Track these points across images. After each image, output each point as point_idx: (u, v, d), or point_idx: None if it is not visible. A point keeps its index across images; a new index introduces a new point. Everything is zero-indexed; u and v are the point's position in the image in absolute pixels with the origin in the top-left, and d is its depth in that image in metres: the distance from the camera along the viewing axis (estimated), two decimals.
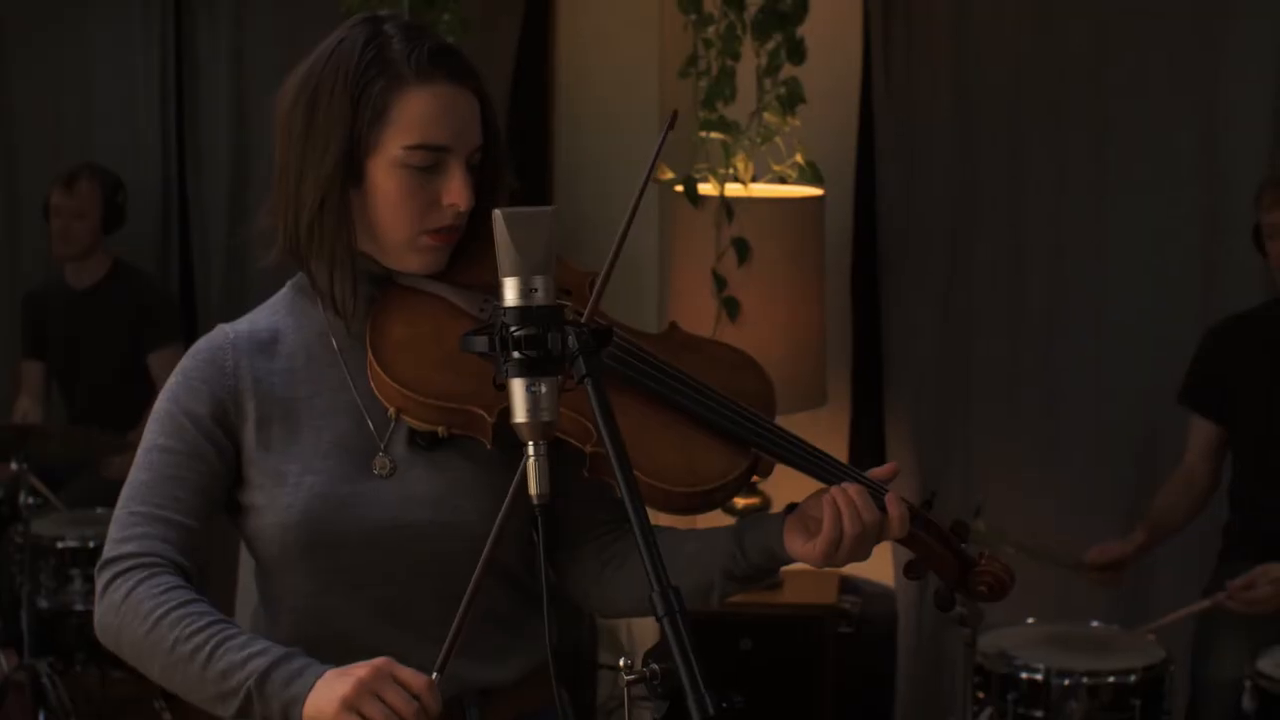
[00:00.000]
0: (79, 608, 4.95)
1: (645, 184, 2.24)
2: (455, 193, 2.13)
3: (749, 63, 4.48)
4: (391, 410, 2.14)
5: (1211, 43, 4.51)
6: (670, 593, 1.71)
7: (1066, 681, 3.80)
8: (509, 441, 1.92)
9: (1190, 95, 4.54)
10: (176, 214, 5.98)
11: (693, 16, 4.48)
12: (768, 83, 4.46)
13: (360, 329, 2.19)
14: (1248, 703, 3.76)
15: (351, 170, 2.14)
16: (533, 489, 1.85)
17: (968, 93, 4.81)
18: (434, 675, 2.02)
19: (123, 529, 2.13)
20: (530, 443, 1.85)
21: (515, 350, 1.83)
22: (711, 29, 4.49)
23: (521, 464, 1.87)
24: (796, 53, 4.44)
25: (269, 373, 2.19)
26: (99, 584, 2.12)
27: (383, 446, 2.17)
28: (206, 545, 2.17)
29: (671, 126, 2.24)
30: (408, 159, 2.12)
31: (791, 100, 4.42)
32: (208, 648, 2.03)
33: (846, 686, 4.60)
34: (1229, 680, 3.91)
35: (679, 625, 1.70)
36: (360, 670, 1.98)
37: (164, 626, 2.05)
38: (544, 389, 1.84)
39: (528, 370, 1.83)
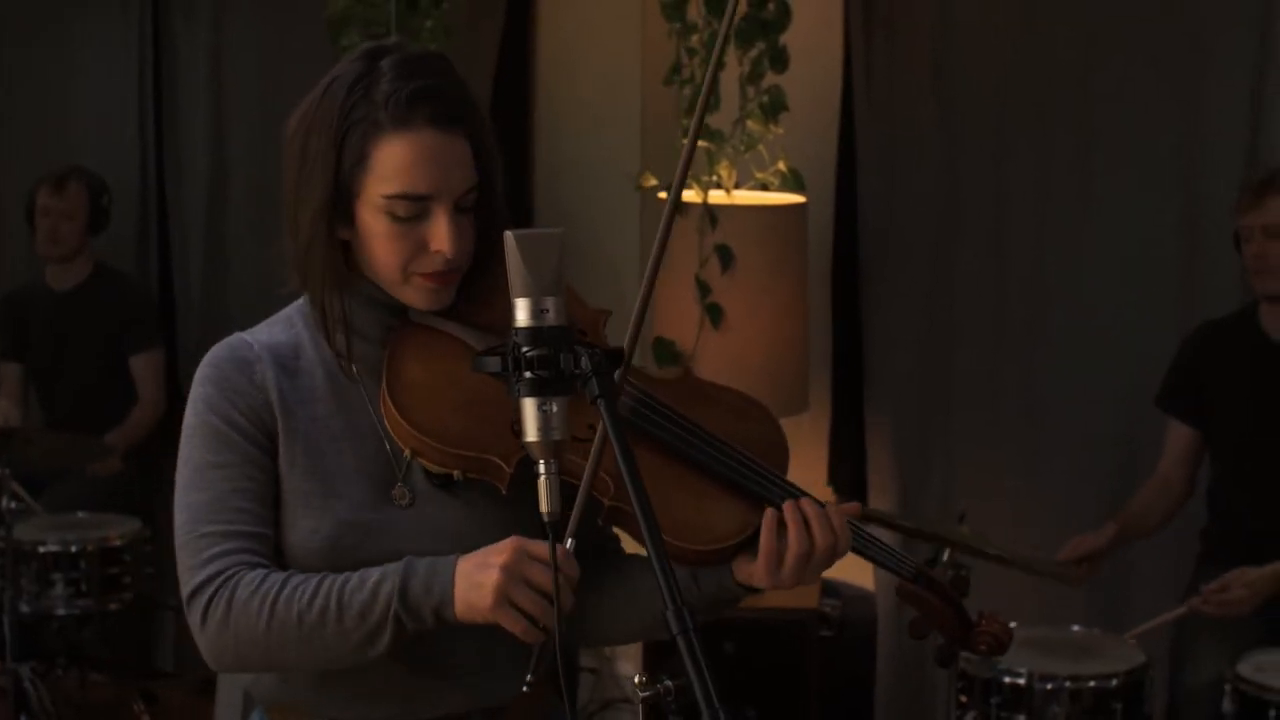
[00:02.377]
0: (60, 612, 4.96)
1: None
2: (441, 240, 2.10)
3: (732, 71, 4.50)
4: (406, 451, 2.13)
5: (1194, 51, 4.52)
6: (684, 611, 1.73)
7: (1049, 686, 3.83)
8: (526, 480, 1.92)
9: (1172, 104, 4.56)
10: (155, 216, 5.98)
11: (676, 25, 4.49)
12: (750, 90, 4.48)
13: (376, 354, 2.18)
14: (1227, 706, 3.78)
15: (342, 208, 2.13)
16: (544, 507, 1.87)
17: (949, 100, 4.82)
18: (569, 543, 2.03)
19: (196, 554, 2.11)
20: (541, 461, 1.87)
21: (527, 370, 1.86)
22: (695, 37, 4.50)
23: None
24: (779, 61, 4.46)
25: (292, 389, 2.17)
26: (194, 616, 2.10)
27: (401, 476, 2.16)
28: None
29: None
30: (390, 207, 2.09)
31: (774, 108, 4.44)
32: (332, 601, 2.03)
33: (828, 690, 4.62)
34: (1208, 684, 3.93)
35: (693, 642, 1.72)
36: (497, 557, 1.99)
37: (280, 611, 2.05)
38: (555, 408, 1.86)
39: (540, 390, 1.86)
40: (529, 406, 1.86)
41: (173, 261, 5.98)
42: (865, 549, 2.26)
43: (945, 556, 3.87)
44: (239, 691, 2.26)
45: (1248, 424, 4.16)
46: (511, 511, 2.11)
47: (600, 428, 2.02)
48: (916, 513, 4.90)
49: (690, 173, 4.48)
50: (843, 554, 2.16)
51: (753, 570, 2.13)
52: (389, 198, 2.09)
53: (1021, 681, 3.85)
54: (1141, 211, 4.62)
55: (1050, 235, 4.74)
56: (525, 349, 1.86)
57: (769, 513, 2.12)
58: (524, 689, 2.04)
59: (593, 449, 2.05)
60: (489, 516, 2.12)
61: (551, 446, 1.87)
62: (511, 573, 1.98)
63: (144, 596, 5.17)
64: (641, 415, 2.16)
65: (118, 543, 5.04)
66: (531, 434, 1.87)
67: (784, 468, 2.23)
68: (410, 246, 2.11)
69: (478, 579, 2.00)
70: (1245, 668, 3.79)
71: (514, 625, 2.00)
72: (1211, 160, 4.52)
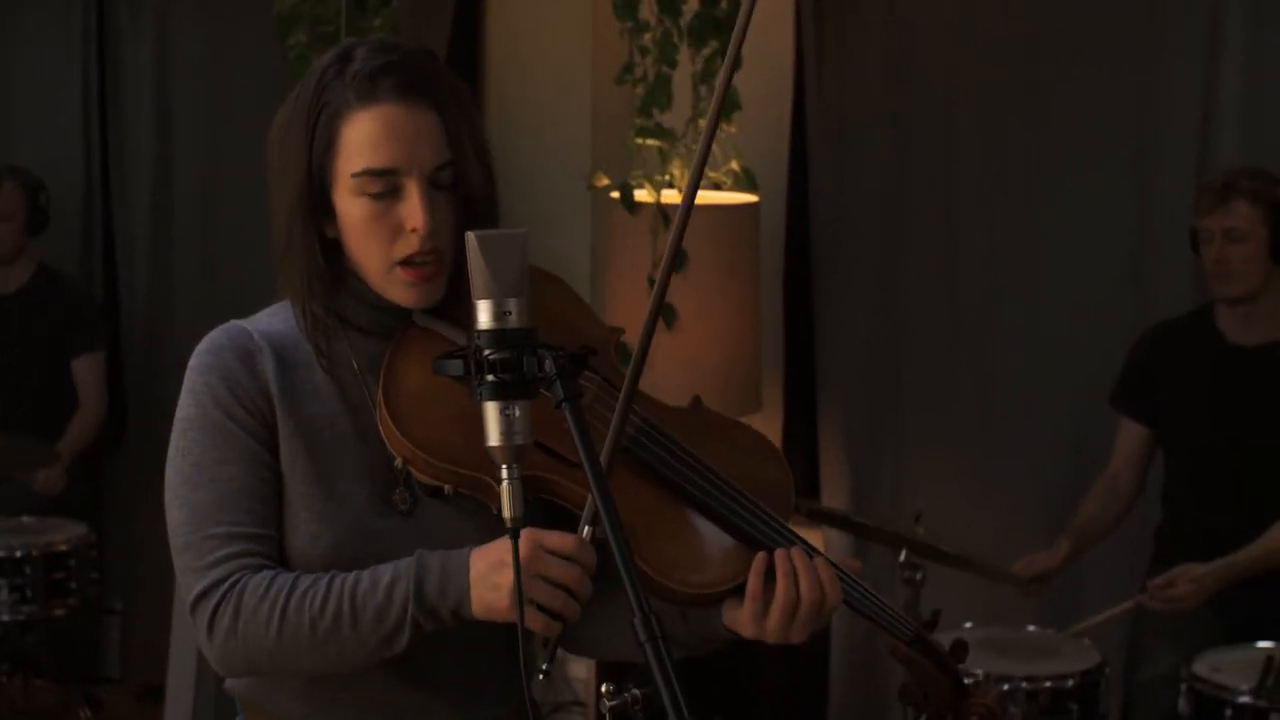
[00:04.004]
0: (4, 618, 4.91)
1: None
2: (411, 215, 2.05)
3: (684, 69, 4.48)
4: (398, 459, 2.08)
5: (1143, 51, 4.54)
6: (652, 618, 1.71)
7: (1005, 686, 3.82)
8: (522, 495, 1.89)
9: (1123, 102, 4.57)
10: (99, 215, 5.91)
11: (628, 23, 4.46)
12: (704, 89, 4.46)
13: (380, 350, 2.12)
14: (1183, 705, 3.79)
15: (322, 202, 2.09)
16: (506, 512, 1.84)
17: (900, 100, 4.82)
18: (584, 530, 1.99)
19: (200, 557, 2.04)
20: (504, 466, 1.84)
21: (489, 373, 1.82)
22: (647, 36, 4.47)
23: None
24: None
25: (293, 385, 2.11)
26: (200, 623, 2.04)
27: (402, 480, 2.10)
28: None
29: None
30: (360, 187, 2.05)
31: (728, 107, 4.41)
32: (345, 606, 1.99)
33: (781, 692, 4.61)
34: (1164, 684, 3.95)
35: (660, 650, 1.70)
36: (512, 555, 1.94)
37: (291, 617, 2.00)
38: (518, 412, 1.83)
39: (502, 394, 1.83)
40: (491, 411, 1.83)
41: (117, 261, 5.91)
42: (861, 606, 2.17)
43: (902, 557, 3.86)
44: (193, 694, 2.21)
45: (1204, 424, 4.16)
46: (529, 513, 2.04)
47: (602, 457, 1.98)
48: (870, 508, 4.89)
49: (641, 172, 4.48)
50: (832, 610, 2.08)
51: (738, 617, 2.07)
52: (357, 175, 2.05)
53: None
54: (1093, 209, 4.62)
55: (1001, 233, 4.74)
56: (487, 352, 1.82)
57: (758, 559, 2.05)
58: (540, 678, 1.98)
59: (605, 452, 2.01)
60: (491, 521, 2.03)
61: (514, 451, 1.83)
62: (527, 570, 1.93)
63: (89, 602, 5.11)
64: (642, 446, 2.10)
65: (63, 548, 4.98)
66: (494, 439, 1.83)
67: (787, 512, 2.16)
68: (387, 229, 2.06)
69: (494, 580, 1.96)
70: (1200, 667, 3.79)
71: (534, 623, 1.95)
72: (1163, 157, 4.54)
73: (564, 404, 1.82)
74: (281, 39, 4.62)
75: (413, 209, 2.05)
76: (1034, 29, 4.67)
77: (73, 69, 5.87)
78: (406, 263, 2.07)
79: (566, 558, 1.96)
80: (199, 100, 5.74)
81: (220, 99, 5.68)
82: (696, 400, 2.26)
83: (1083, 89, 4.62)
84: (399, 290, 2.09)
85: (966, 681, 2.26)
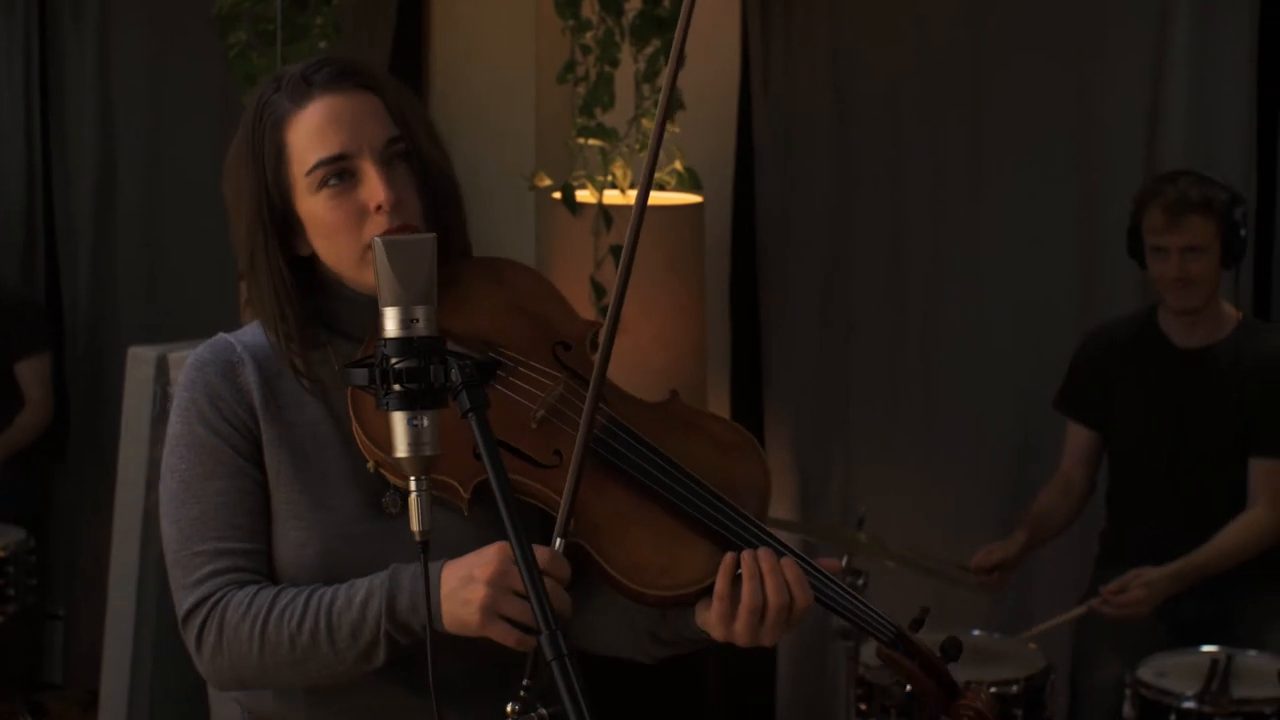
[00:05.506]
0: None
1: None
2: (373, 193, 2.06)
3: (627, 68, 4.45)
4: (370, 463, 2.07)
5: (1088, 48, 4.52)
6: (558, 636, 1.68)
7: None
8: (491, 501, 1.86)
9: (1067, 102, 4.55)
10: (42, 219, 5.86)
11: (570, 22, 4.43)
12: (646, 89, 4.43)
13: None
14: (1128, 711, 3.77)
15: (285, 222, 2.10)
16: (414, 525, 1.81)
17: (846, 98, 4.79)
18: (556, 542, 1.97)
19: (187, 574, 2.08)
20: (412, 478, 1.81)
21: (396, 383, 1.79)
22: (589, 34, 4.44)
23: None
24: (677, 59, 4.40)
25: (276, 394, 2.12)
26: (189, 640, 2.08)
27: (389, 484, 2.09)
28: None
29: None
30: (317, 182, 2.07)
31: (671, 106, 4.38)
32: (322, 623, 2.01)
33: (728, 693, 4.58)
34: (1109, 688, 3.92)
35: (568, 669, 1.67)
36: (482, 570, 1.94)
37: (271, 634, 2.02)
38: (426, 423, 1.80)
39: (409, 403, 1.80)
40: (398, 421, 1.80)
41: (60, 265, 5.86)
42: (838, 607, 2.12)
43: (844, 562, 3.83)
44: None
45: (1147, 427, 4.14)
46: (496, 512, 2.00)
47: (570, 472, 1.98)
48: (817, 512, 4.87)
49: (584, 172, 4.45)
50: (802, 613, 2.04)
51: (708, 619, 2.04)
52: (311, 173, 2.07)
53: None
54: (1039, 208, 4.61)
55: (947, 233, 4.72)
56: (394, 360, 1.80)
57: (725, 560, 2.02)
58: (521, 693, 1.94)
59: (571, 470, 1.98)
60: (480, 520, 2.01)
61: (423, 462, 1.81)
62: (498, 585, 1.94)
63: (28, 608, 5.06)
64: (606, 445, 2.07)
65: (1, 554, 4.92)
66: (401, 449, 1.81)
67: (764, 506, 2.12)
68: (353, 215, 2.07)
69: (464, 595, 1.96)
70: (1145, 672, 3.78)
71: (505, 638, 1.95)
72: (1109, 157, 4.52)
73: (469, 415, 1.78)
74: (221, 38, 4.59)
75: (373, 187, 2.06)
76: (980, 28, 4.64)
77: (14, 71, 5.81)
78: None
79: (540, 571, 1.91)
80: (141, 101, 5.69)
81: (163, 100, 5.63)
82: (674, 394, 2.22)
83: (1028, 88, 4.60)
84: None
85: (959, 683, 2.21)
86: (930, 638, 2.21)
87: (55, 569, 5.69)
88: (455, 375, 1.79)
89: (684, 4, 2.06)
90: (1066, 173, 4.58)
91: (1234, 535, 4.01)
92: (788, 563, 2.03)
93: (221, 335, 2.18)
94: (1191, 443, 4.08)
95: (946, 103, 4.70)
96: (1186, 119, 4.42)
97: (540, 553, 1.93)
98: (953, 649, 2.19)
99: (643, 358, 4.36)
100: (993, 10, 4.63)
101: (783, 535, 4.77)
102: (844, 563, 3.82)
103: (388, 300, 1.81)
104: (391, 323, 1.81)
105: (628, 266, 2.05)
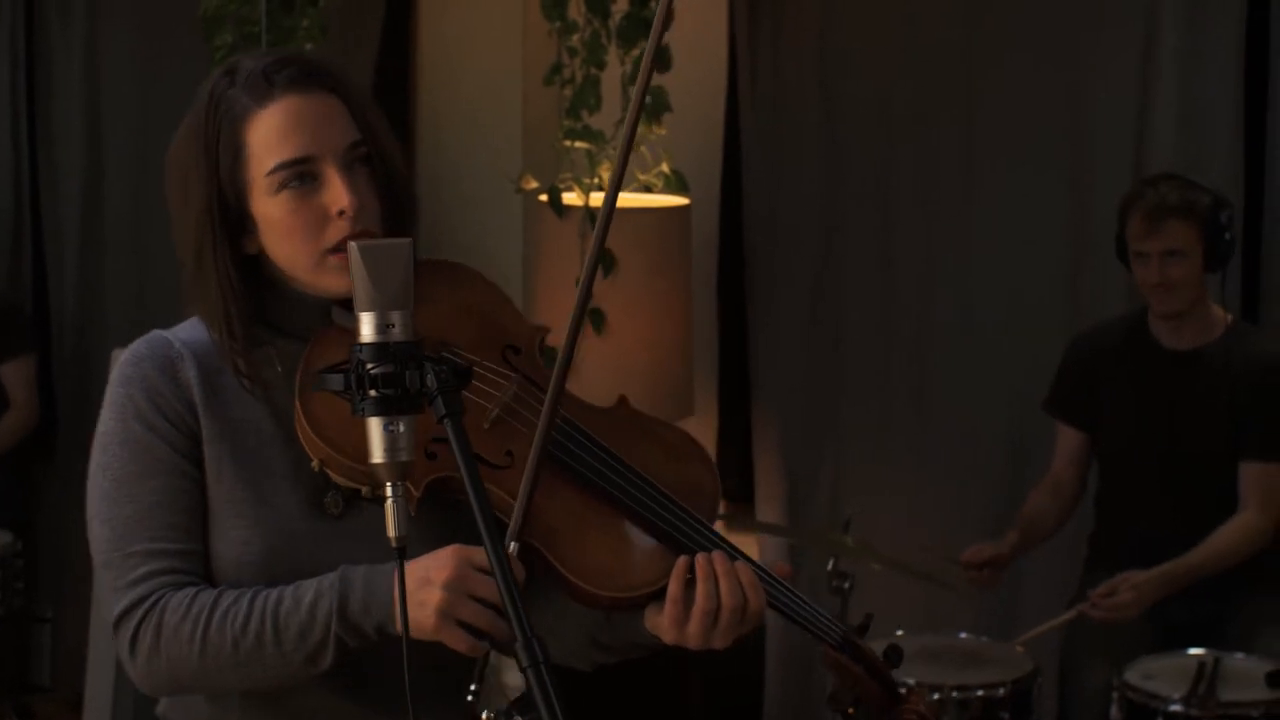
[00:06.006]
0: None
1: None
2: (337, 198, 2.03)
3: (614, 71, 4.44)
4: (315, 462, 2.03)
5: (1078, 50, 4.52)
6: (535, 643, 1.67)
7: (936, 695, 3.78)
8: (442, 499, 1.88)
9: (1057, 104, 4.55)
10: (29, 220, 5.84)
11: (557, 24, 4.42)
12: (632, 91, 4.41)
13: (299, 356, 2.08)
14: (1115, 714, 3.76)
15: (237, 217, 2.06)
16: (390, 531, 1.79)
17: (834, 100, 4.78)
18: (511, 546, 1.95)
19: (121, 575, 2.03)
20: (388, 484, 1.79)
21: (372, 388, 1.78)
22: (576, 37, 4.43)
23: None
24: (662, 60, 4.39)
25: (217, 391, 2.08)
26: (122, 643, 2.02)
27: (332, 483, 2.06)
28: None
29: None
30: (277, 184, 2.03)
31: (657, 109, 4.38)
32: (268, 624, 1.97)
33: (715, 692, 4.57)
34: (1096, 692, 3.91)
35: (543, 676, 1.66)
36: (439, 573, 1.92)
37: (214, 636, 1.98)
38: (402, 428, 1.79)
39: (385, 409, 1.78)
40: (374, 426, 1.78)
41: (47, 266, 5.84)
42: (788, 610, 2.14)
43: (830, 566, 3.82)
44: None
45: (1137, 429, 4.14)
46: (449, 516, 2.01)
47: (525, 474, 1.97)
48: (806, 514, 4.86)
49: (571, 174, 4.44)
50: (755, 616, 2.05)
51: (660, 622, 2.04)
52: (272, 173, 2.03)
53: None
54: (1028, 210, 4.61)
55: (937, 234, 4.72)
56: (369, 366, 1.78)
57: (680, 562, 2.03)
58: (469, 699, 1.95)
59: (526, 473, 1.97)
60: (424, 521, 1.98)
61: (399, 469, 1.79)
62: (455, 589, 1.92)
63: (16, 611, 5.04)
64: (562, 447, 2.07)
65: None
66: (377, 456, 1.79)
67: (712, 513, 2.13)
68: (314, 219, 2.04)
69: (420, 597, 1.93)
70: (1133, 675, 3.77)
71: (459, 643, 1.93)
72: (1099, 158, 4.52)
73: (445, 420, 1.77)
74: (207, 40, 4.58)
75: (336, 192, 2.03)
76: (970, 29, 4.64)
77: (1, 73, 5.79)
78: (338, 249, 2.04)
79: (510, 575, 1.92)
80: (129, 104, 5.67)
81: (150, 102, 5.61)
82: (622, 400, 2.22)
83: (1018, 89, 4.60)
84: (333, 278, 2.05)
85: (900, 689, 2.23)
86: (876, 644, 2.26)
87: (43, 571, 5.67)
88: (431, 380, 1.77)
89: (660, 8, 2.06)
90: (1057, 173, 4.58)
91: (1224, 538, 4.01)
92: (741, 566, 2.05)
93: (157, 332, 2.12)
94: (1181, 445, 4.07)
95: (936, 103, 4.70)
96: (1176, 120, 4.42)
97: None
98: (895, 655, 2.25)
99: (629, 359, 4.36)
100: (983, 10, 4.62)
101: (770, 540, 4.78)
102: (830, 566, 3.82)
103: (363, 305, 1.79)
104: (367, 328, 1.79)
105: (592, 269, 2.07)
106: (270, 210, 2.05)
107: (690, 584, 2.02)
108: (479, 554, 1.93)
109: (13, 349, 5.45)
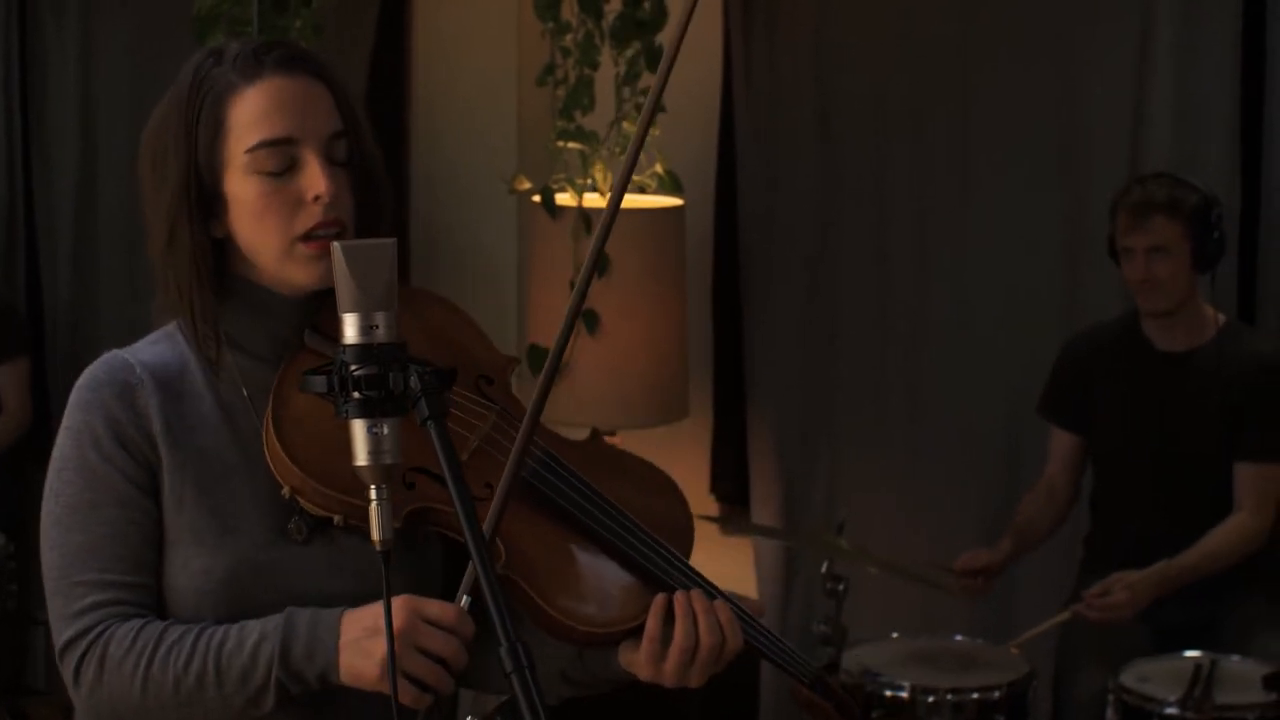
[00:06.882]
0: None
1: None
2: (314, 183, 1.99)
3: (607, 71, 4.42)
4: (285, 489, 1.99)
5: (1073, 46, 4.51)
6: (519, 648, 1.65)
7: (931, 699, 3.77)
8: (417, 530, 1.84)
9: (1052, 103, 4.54)
10: (23, 221, 5.83)
11: (550, 24, 4.41)
12: (626, 91, 4.41)
13: (267, 374, 2.04)
14: (1110, 717, 3.75)
15: (209, 196, 2.02)
16: (374, 535, 1.77)
17: (829, 100, 4.77)
18: (463, 599, 1.92)
19: (68, 604, 1.99)
20: (373, 487, 1.77)
21: (355, 390, 1.75)
22: (569, 37, 4.42)
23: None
24: (655, 61, 4.39)
25: (178, 417, 2.02)
26: (67, 673, 1.99)
27: (298, 510, 2.01)
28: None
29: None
30: (255, 163, 1.99)
31: None
32: (210, 665, 1.93)
33: (710, 699, 4.55)
34: (1092, 694, 3.90)
35: (528, 681, 1.65)
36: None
37: (155, 673, 1.94)
38: (386, 430, 1.76)
39: (369, 411, 1.76)
40: (358, 429, 1.76)
41: (40, 268, 5.83)
42: (763, 648, 2.13)
43: (825, 568, 3.81)
44: None
45: (1131, 431, 4.13)
46: (412, 550, 2.00)
47: (500, 485, 1.93)
48: (801, 514, 4.84)
49: (564, 175, 4.43)
50: (732, 654, 2.03)
51: (635, 659, 2.02)
52: (251, 151, 1.99)
53: (904, 694, 3.79)
54: (1024, 206, 4.60)
55: (932, 235, 4.71)
56: (353, 367, 1.75)
57: (658, 600, 2.01)
58: None
59: (492, 508, 1.94)
60: (396, 547, 1.90)
61: (382, 471, 1.76)
62: (403, 641, 1.87)
63: (9, 613, 5.03)
64: (543, 479, 2.04)
65: None
66: (361, 458, 1.76)
67: (687, 550, 2.11)
68: (287, 204, 1.99)
69: (366, 647, 1.90)
70: (1128, 677, 3.76)
71: (402, 694, 1.87)
72: (1094, 157, 4.51)
73: (428, 422, 1.75)
74: (200, 39, 4.56)
75: (314, 177, 2.00)
76: (965, 24, 4.63)
77: None
78: (308, 237, 2.00)
79: (446, 629, 1.90)
80: (123, 101, 5.66)
81: (144, 100, 5.54)
82: (595, 433, 2.20)
83: (1013, 88, 4.59)
84: (300, 269, 2.02)
85: None
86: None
87: (37, 574, 5.63)
88: (414, 382, 1.75)
89: (683, 9, 2.02)
90: (1053, 169, 4.57)
91: (1219, 539, 4.00)
92: (720, 604, 2.03)
93: (117, 353, 2.06)
94: (1174, 446, 4.07)
95: (932, 99, 4.69)
96: (1172, 116, 4.41)
97: (448, 610, 1.91)
98: (859, 696, 2.27)
99: (624, 361, 4.35)
100: (979, 5, 4.61)
101: (763, 543, 4.76)
102: (824, 569, 3.80)
103: (347, 306, 1.77)
104: (351, 329, 1.77)
105: (587, 278, 2.01)
106: (243, 190, 2.01)
107: (668, 621, 2.00)
108: (430, 606, 1.91)
109: (7, 351, 5.44)
